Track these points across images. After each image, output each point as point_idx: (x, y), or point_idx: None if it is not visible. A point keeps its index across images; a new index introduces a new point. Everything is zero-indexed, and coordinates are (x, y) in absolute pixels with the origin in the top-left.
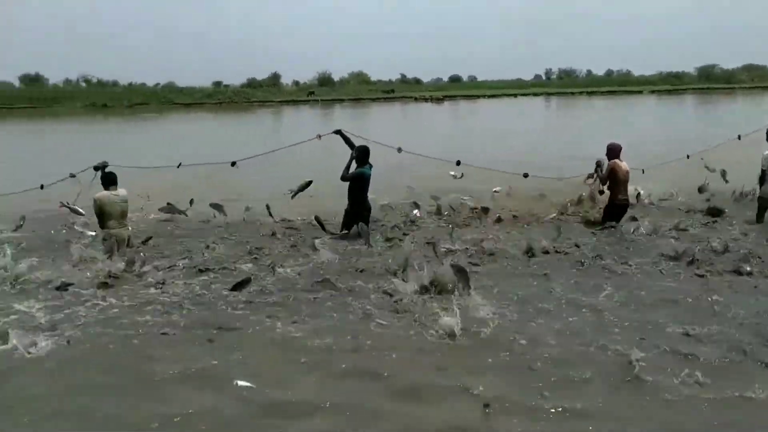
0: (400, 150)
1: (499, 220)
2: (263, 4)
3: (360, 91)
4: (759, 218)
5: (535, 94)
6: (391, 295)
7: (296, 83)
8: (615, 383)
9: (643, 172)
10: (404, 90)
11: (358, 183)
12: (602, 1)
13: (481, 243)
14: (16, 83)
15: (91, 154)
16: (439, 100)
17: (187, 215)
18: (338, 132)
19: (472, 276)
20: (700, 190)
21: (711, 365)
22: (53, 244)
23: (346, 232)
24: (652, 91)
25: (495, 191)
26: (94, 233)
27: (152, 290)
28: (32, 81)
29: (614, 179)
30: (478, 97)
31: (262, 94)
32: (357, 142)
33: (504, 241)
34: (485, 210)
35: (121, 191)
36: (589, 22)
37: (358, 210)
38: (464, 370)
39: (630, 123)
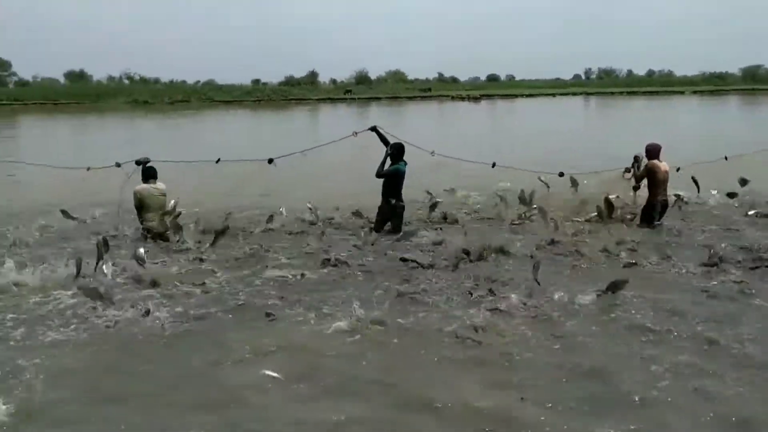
0: (433, 153)
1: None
2: (305, 4)
3: (397, 89)
4: None
5: (574, 94)
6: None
7: (333, 81)
8: None
9: (678, 170)
10: (441, 89)
11: (392, 180)
12: (642, 6)
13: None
14: (61, 80)
15: (134, 147)
16: (476, 99)
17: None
18: (373, 129)
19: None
20: (730, 195)
21: None
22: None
23: (378, 229)
24: (695, 92)
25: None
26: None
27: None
28: (77, 77)
29: (653, 179)
30: (516, 96)
31: (300, 91)
32: (392, 141)
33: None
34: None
35: (160, 185)
36: (631, 22)
37: (392, 207)
38: None
39: (670, 123)
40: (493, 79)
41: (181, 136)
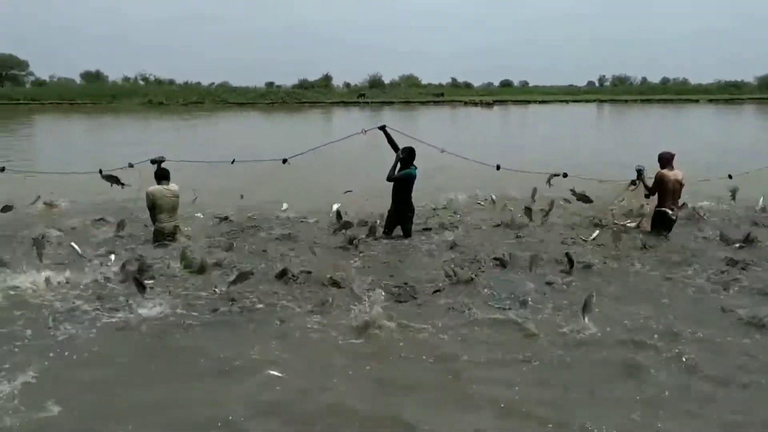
0: (443, 150)
1: None
2: (320, 9)
3: (410, 94)
4: None
5: (587, 101)
6: None
7: (347, 85)
8: None
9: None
10: (454, 94)
11: (403, 184)
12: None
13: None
14: (78, 80)
15: (150, 147)
16: (488, 104)
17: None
18: (382, 128)
19: None
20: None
21: None
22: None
23: (388, 232)
24: (710, 100)
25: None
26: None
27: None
28: (93, 78)
29: (662, 189)
30: (529, 102)
31: (313, 94)
32: (401, 140)
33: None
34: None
35: (173, 186)
36: (647, 30)
37: (402, 211)
38: None
39: (684, 131)
40: (506, 84)
41: (194, 137)
